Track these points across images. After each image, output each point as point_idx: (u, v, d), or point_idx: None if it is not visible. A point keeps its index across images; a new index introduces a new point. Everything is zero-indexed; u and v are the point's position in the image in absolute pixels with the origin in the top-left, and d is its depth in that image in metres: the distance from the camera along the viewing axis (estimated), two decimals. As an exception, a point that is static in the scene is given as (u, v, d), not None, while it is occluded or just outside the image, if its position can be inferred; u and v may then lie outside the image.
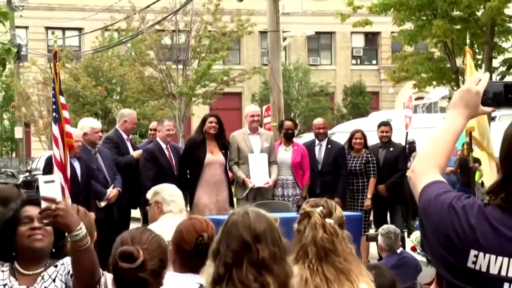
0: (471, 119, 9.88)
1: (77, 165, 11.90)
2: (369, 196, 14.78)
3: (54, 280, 4.60)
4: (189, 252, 5.09)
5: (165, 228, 5.98)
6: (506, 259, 3.22)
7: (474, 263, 3.24)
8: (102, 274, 4.57)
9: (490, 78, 3.60)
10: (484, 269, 3.23)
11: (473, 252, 3.25)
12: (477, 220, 3.28)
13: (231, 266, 3.74)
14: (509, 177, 3.32)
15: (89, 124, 12.92)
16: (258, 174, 13.08)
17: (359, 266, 4.91)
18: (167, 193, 7.97)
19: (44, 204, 4.24)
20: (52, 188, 4.33)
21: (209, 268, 3.87)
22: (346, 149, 15.06)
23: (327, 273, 4.68)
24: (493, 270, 3.22)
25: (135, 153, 13.16)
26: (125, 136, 13.32)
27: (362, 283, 4.77)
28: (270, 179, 13.22)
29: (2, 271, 4.68)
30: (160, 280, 4.26)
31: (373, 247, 13.43)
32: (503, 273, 3.22)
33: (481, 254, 3.24)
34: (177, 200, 7.87)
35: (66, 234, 4.30)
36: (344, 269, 4.74)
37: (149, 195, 8.03)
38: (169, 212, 7.63)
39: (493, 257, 3.23)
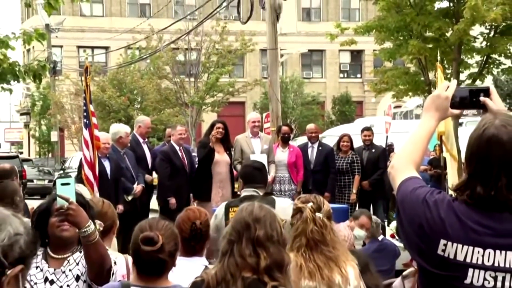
0: (442, 124, 9.90)
1: (107, 164, 11.92)
2: (354, 191, 14.79)
3: (77, 264, 4.61)
4: (187, 238, 5.11)
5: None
6: (470, 248, 3.21)
7: (443, 250, 3.23)
8: (115, 263, 4.60)
9: (457, 85, 3.63)
10: (452, 256, 3.22)
11: (442, 241, 3.24)
12: (446, 213, 3.28)
13: (233, 243, 3.78)
14: (472, 177, 3.30)
15: (124, 129, 12.95)
16: None
17: (345, 252, 4.91)
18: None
19: (59, 203, 4.32)
20: (67, 189, 4.36)
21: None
22: (335, 150, 15.07)
23: (317, 261, 4.68)
24: (460, 257, 3.21)
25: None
26: (141, 140, 13.33)
27: (349, 267, 4.76)
28: (268, 177, 13.19)
29: (37, 255, 4.68)
30: (174, 261, 4.33)
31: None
32: (468, 260, 3.21)
33: (449, 243, 3.23)
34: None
35: (76, 230, 4.36)
36: (333, 256, 4.74)
37: None
38: None
39: (459, 246, 3.22)
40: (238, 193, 13.52)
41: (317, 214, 4.81)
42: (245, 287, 3.69)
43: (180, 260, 5.03)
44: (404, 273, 5.39)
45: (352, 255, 5.12)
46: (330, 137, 22.63)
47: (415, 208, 3.33)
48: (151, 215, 12.75)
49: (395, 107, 41.59)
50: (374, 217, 11.08)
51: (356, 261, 4.94)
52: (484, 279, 3.19)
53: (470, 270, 3.21)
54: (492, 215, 3.23)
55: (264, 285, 3.70)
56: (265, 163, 13.17)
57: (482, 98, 3.58)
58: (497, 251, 3.19)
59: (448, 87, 3.62)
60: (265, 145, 13.36)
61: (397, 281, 5.29)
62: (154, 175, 13.67)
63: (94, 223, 4.91)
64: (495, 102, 3.59)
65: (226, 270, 3.72)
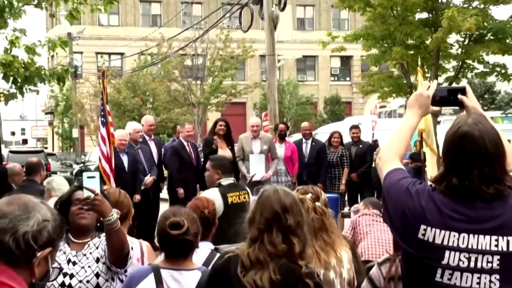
0: (422, 122, 9.92)
1: (125, 158, 11.92)
2: (343, 182, 14.82)
3: (97, 248, 4.64)
4: None
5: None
6: (447, 232, 3.24)
7: (423, 235, 3.26)
8: (132, 248, 4.61)
9: (437, 85, 3.66)
10: (430, 240, 3.25)
11: (422, 227, 3.26)
12: (426, 202, 3.30)
13: (263, 232, 3.71)
14: (449, 170, 3.33)
15: (132, 126, 12.93)
16: (256, 170, 13.04)
17: (340, 237, 4.90)
18: (55, 183, 8.42)
19: (86, 194, 4.34)
20: (93, 182, 4.38)
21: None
22: (327, 145, 15.07)
23: (316, 246, 4.67)
24: (437, 241, 3.24)
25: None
26: (147, 137, 13.23)
27: (343, 251, 4.75)
28: (267, 174, 13.14)
29: None
30: (198, 241, 4.37)
31: (347, 222, 13.40)
32: (445, 243, 3.24)
33: (429, 228, 3.26)
34: (64, 189, 7.84)
35: (101, 218, 4.39)
36: (330, 242, 4.72)
37: (45, 183, 8.53)
38: (55, 197, 7.49)
39: (437, 230, 3.25)
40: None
41: (317, 203, 4.80)
42: (278, 268, 3.65)
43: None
44: (379, 260, 5.38)
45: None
46: (322, 134, 22.60)
47: (399, 196, 3.35)
48: (161, 204, 12.77)
49: (380, 107, 41.52)
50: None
51: (348, 245, 4.94)
52: (459, 259, 3.22)
53: (447, 252, 3.24)
54: (466, 204, 3.26)
55: (297, 266, 3.67)
56: (263, 161, 13.18)
57: (459, 96, 3.62)
58: (471, 235, 3.22)
59: (429, 86, 3.65)
60: (265, 146, 13.28)
61: (374, 268, 5.28)
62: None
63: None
64: (471, 100, 3.62)
65: (258, 253, 3.67)
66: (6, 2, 13.05)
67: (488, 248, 3.22)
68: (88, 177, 4.41)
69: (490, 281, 3.20)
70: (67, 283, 4.55)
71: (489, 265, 3.21)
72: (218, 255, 4.37)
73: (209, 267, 4.32)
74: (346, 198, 15.28)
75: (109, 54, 54.93)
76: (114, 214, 4.35)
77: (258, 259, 3.66)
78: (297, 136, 21.76)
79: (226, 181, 7.87)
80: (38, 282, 2.54)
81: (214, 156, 9.47)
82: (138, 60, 45.06)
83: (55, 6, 16.19)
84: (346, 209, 13.79)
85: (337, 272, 4.66)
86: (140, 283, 4.20)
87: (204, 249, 5.02)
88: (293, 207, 3.77)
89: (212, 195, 7.37)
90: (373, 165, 16.86)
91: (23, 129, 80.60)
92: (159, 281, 4.18)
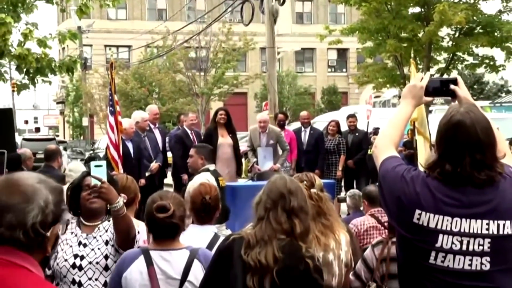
0: (414, 111, 9.87)
1: (130, 145, 11.89)
2: (340, 168, 14.78)
3: (106, 231, 4.66)
4: (198, 209, 5.08)
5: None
6: (441, 217, 3.24)
7: (418, 219, 3.26)
8: (138, 232, 4.62)
9: (430, 76, 3.65)
10: (425, 224, 3.25)
11: (417, 211, 3.26)
12: (421, 187, 3.30)
13: (269, 210, 3.74)
14: (442, 157, 3.33)
15: (139, 115, 12.89)
16: (264, 161, 13.04)
17: (337, 219, 4.88)
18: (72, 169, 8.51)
19: (93, 182, 4.36)
20: (100, 170, 4.39)
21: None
22: (324, 133, 15.05)
23: (316, 231, 4.65)
24: (432, 225, 3.24)
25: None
26: (152, 126, 13.17)
27: (342, 234, 4.74)
28: (274, 165, 13.09)
29: (72, 222, 4.78)
30: (184, 225, 4.36)
31: (343, 206, 13.39)
32: (438, 227, 3.24)
33: (423, 213, 3.26)
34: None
35: (108, 205, 4.41)
36: (329, 225, 4.70)
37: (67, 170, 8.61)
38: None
39: (431, 215, 3.25)
40: (249, 170, 13.61)
41: (312, 190, 4.78)
42: (280, 247, 3.67)
43: (194, 228, 5.06)
44: (373, 242, 5.38)
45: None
46: (320, 123, 22.57)
47: (395, 183, 3.34)
48: (166, 189, 12.76)
49: (375, 97, 41.53)
50: (356, 191, 11.07)
51: (345, 228, 4.93)
52: (452, 243, 3.23)
53: (440, 236, 3.24)
54: (459, 189, 3.26)
55: (298, 247, 3.70)
56: (271, 154, 13.17)
57: (452, 87, 3.62)
58: (463, 219, 3.22)
59: (422, 78, 3.65)
60: (271, 141, 13.24)
61: (368, 249, 5.28)
62: (169, 154, 13.61)
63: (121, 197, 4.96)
64: (462, 90, 3.62)
65: (264, 231, 3.70)
66: (19, -3, 13.04)
67: (479, 231, 3.22)
68: (96, 166, 4.41)
69: (481, 263, 3.21)
70: (77, 264, 4.57)
71: (480, 248, 3.21)
72: (221, 237, 4.36)
73: (213, 250, 4.32)
74: (342, 183, 15.26)
75: (117, 46, 54.91)
76: (120, 201, 4.36)
77: (263, 237, 3.68)
78: (296, 124, 21.75)
79: (211, 166, 8.09)
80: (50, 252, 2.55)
81: (198, 144, 9.58)
82: (144, 52, 45.03)
83: (66, 1, 16.17)
84: (342, 194, 13.77)
85: (335, 254, 4.65)
86: (130, 266, 4.18)
87: (207, 232, 5.01)
88: (298, 191, 3.82)
89: (210, 178, 7.47)
90: (369, 152, 16.86)
91: (35, 118, 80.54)
92: (149, 262, 4.17)
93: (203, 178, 7.49)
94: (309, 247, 3.75)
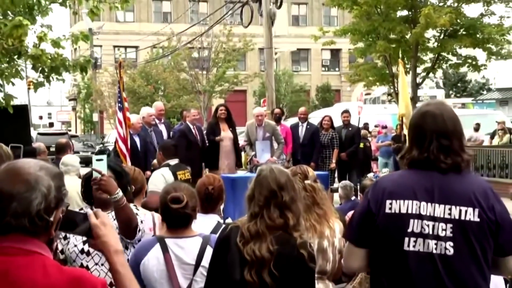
0: (402, 107, 9.91)
1: (137, 139, 11.86)
2: (333, 161, 14.79)
3: (114, 219, 4.63)
4: (202, 199, 5.06)
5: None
6: (410, 202, 3.23)
7: (390, 208, 3.26)
8: (141, 221, 4.60)
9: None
10: (397, 211, 3.25)
11: (388, 201, 3.27)
12: (388, 181, 3.35)
13: (262, 207, 3.69)
14: (411, 143, 3.36)
15: (146, 110, 12.86)
16: (262, 154, 13.02)
17: (331, 208, 4.87)
18: (64, 162, 8.37)
19: (94, 175, 4.34)
20: (101, 164, 4.36)
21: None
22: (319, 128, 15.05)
23: (312, 220, 4.64)
24: (402, 210, 3.23)
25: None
26: (157, 121, 13.15)
27: (336, 222, 4.73)
28: (272, 158, 13.07)
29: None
30: (196, 214, 4.34)
31: (336, 196, 13.40)
32: (408, 211, 3.22)
33: (393, 201, 3.26)
34: (76, 165, 8.29)
35: (108, 196, 4.37)
36: (323, 214, 4.69)
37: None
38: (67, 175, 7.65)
39: (401, 201, 3.24)
40: (247, 162, 13.59)
41: (306, 181, 4.77)
42: (275, 241, 3.63)
43: (198, 216, 5.05)
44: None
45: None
46: (314, 118, 22.57)
47: (362, 207, 3.41)
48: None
49: (366, 94, 41.59)
50: (348, 182, 11.07)
51: (338, 216, 4.92)
52: (421, 227, 3.20)
53: (411, 220, 3.22)
54: (426, 174, 3.26)
55: (291, 237, 3.66)
56: (268, 147, 13.15)
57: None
58: (429, 204, 3.21)
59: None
60: (267, 133, 13.23)
61: None
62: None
63: (131, 187, 4.94)
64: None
65: (258, 228, 3.66)
66: (35, 0, 13.00)
67: (442, 215, 3.20)
68: (97, 160, 4.38)
69: (445, 248, 3.18)
70: (86, 250, 4.58)
71: (444, 232, 3.19)
72: (223, 226, 4.36)
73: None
74: (336, 175, 15.26)
75: (125, 47, 54.77)
76: (120, 192, 4.34)
77: (257, 232, 3.65)
78: (293, 120, 21.75)
79: (173, 161, 8.14)
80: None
81: (162, 142, 9.73)
82: (150, 52, 44.94)
83: (78, 4, 16.09)
84: (335, 185, 13.77)
85: (330, 241, 4.64)
86: (148, 254, 4.18)
87: (211, 220, 5.01)
88: (287, 184, 3.75)
89: (166, 173, 7.68)
90: (361, 145, 16.89)
91: (49, 114, 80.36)
92: (165, 249, 4.17)
93: (158, 174, 7.74)
94: (302, 234, 3.72)
